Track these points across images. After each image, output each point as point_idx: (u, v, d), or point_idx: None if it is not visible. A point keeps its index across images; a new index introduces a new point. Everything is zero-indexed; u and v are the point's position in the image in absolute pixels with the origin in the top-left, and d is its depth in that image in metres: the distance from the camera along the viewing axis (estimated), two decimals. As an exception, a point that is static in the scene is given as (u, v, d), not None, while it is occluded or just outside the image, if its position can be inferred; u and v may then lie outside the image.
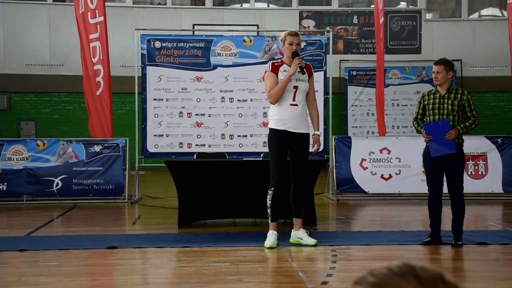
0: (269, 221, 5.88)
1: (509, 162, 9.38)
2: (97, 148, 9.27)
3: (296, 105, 5.85)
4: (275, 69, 5.89)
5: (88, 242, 6.05)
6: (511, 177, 9.36)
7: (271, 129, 5.91)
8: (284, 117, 5.83)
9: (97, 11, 9.67)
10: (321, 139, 6.41)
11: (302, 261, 5.29)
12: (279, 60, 6.01)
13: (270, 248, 5.67)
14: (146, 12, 16.06)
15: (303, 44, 9.80)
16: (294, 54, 5.84)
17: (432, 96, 5.91)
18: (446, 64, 5.85)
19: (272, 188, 5.82)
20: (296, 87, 5.84)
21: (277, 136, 5.84)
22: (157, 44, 9.77)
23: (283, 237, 5.96)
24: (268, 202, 5.85)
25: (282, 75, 5.84)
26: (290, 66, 5.85)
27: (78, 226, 7.29)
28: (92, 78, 9.66)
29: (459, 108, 5.80)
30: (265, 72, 5.96)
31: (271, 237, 5.78)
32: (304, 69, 5.87)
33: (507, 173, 9.36)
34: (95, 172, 9.23)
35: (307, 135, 5.92)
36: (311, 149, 5.99)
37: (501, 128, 15.27)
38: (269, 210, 5.86)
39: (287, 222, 6.50)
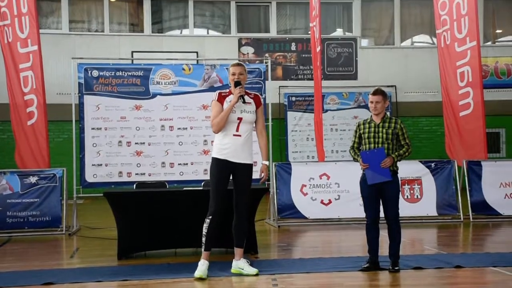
0: (203, 250, 5.85)
1: (442, 186, 9.71)
2: (33, 179, 9.03)
3: (240, 135, 5.90)
4: (220, 99, 5.94)
5: (23, 279, 5.84)
6: (444, 200, 9.69)
7: (212, 158, 5.96)
8: (225, 146, 5.87)
9: (29, 40, 9.50)
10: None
11: (243, 292, 5.29)
12: (227, 90, 6.05)
13: (200, 278, 5.64)
14: (83, 39, 15.87)
15: (242, 73, 9.97)
16: (236, 84, 5.90)
17: (367, 125, 6.08)
18: (384, 94, 6.07)
19: (210, 217, 5.81)
20: (240, 119, 5.89)
21: (218, 165, 5.88)
22: (95, 73, 9.67)
23: (225, 266, 5.95)
24: (204, 231, 5.83)
25: (227, 105, 5.89)
26: None
27: (12, 262, 7.05)
28: (22, 108, 9.45)
29: (393, 136, 6.00)
30: (212, 101, 6.01)
31: (202, 266, 5.76)
32: (245, 98, 5.91)
33: (440, 197, 9.68)
34: (31, 204, 8.98)
35: (250, 165, 5.96)
36: (256, 177, 6.03)
37: (435, 151, 15.80)
38: (204, 239, 5.84)
39: (229, 251, 6.50)
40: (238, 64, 6.03)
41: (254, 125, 6.04)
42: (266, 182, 10.00)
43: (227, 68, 9.90)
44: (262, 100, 6.14)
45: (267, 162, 6.04)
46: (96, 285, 5.59)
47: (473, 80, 10.22)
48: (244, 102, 5.90)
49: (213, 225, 5.80)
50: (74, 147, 9.88)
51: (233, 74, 5.94)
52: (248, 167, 5.94)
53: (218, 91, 6.07)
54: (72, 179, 9.78)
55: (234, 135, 5.88)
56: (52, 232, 8.97)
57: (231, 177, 5.93)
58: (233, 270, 5.90)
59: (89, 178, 9.66)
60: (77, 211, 9.63)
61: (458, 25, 10.29)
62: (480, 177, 9.82)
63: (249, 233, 6.87)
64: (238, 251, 5.94)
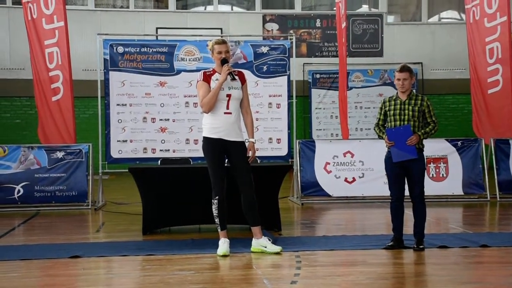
0: (219, 230, 5.87)
1: (468, 165, 9.59)
2: (60, 154, 9.15)
3: (230, 113, 5.86)
4: (206, 78, 5.88)
5: (50, 251, 5.96)
6: (471, 179, 9.57)
7: (205, 138, 5.89)
8: (218, 125, 5.83)
9: (55, 16, 9.53)
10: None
11: (266, 268, 5.32)
12: (211, 69, 5.98)
13: (224, 256, 5.67)
14: (108, 15, 15.90)
15: (266, 49, 9.94)
16: (223, 62, 5.84)
17: (393, 102, 6.01)
18: (410, 71, 5.99)
19: (216, 197, 5.82)
20: (229, 96, 5.84)
21: (212, 145, 5.84)
22: (120, 49, 9.70)
23: (248, 243, 5.95)
24: (215, 212, 5.85)
25: (214, 84, 5.83)
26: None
27: (40, 235, 7.18)
28: (46, 84, 9.53)
29: (420, 114, 5.92)
30: (197, 82, 5.93)
31: (224, 244, 5.78)
32: (235, 76, 5.87)
33: (467, 175, 9.57)
34: (58, 179, 9.12)
35: (243, 142, 5.94)
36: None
37: (461, 129, 15.60)
38: (216, 220, 5.86)
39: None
40: (223, 42, 5.96)
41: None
42: (290, 160, 10.02)
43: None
44: (246, 76, 6.07)
45: (253, 140, 5.98)
46: (121, 259, 5.67)
47: (502, 57, 10.02)
48: (233, 79, 5.86)
49: (222, 204, 5.82)
50: (99, 123, 9.97)
51: (220, 53, 5.85)
52: (242, 144, 5.91)
53: (202, 71, 5.98)
54: (97, 155, 9.90)
55: (225, 113, 5.83)
56: (79, 206, 9.11)
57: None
58: (254, 249, 5.85)
59: (114, 154, 9.75)
60: (103, 187, 9.75)
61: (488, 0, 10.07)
62: (508, 156, 9.67)
63: (273, 210, 6.91)
64: (256, 230, 5.91)
